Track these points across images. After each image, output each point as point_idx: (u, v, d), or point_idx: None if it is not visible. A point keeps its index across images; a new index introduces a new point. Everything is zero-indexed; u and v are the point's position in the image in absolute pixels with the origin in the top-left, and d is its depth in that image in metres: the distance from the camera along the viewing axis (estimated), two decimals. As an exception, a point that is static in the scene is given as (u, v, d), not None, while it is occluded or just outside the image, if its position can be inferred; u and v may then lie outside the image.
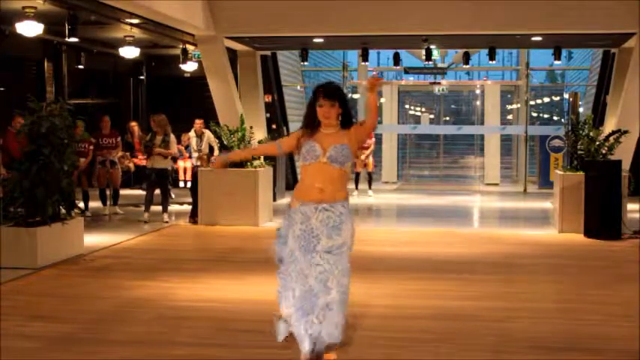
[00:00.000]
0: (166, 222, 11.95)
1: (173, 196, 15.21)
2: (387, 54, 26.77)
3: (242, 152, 5.36)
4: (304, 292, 4.56)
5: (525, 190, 18.52)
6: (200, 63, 14.72)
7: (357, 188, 16.54)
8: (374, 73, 4.53)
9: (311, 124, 4.64)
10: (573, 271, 8.40)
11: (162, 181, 12.21)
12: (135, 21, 12.26)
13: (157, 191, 12.31)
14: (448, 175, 24.79)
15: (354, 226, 4.71)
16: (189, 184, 13.74)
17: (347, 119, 4.65)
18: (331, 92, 4.62)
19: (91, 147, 12.51)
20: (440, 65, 21.74)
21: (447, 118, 28.00)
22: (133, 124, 15.40)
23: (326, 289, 4.50)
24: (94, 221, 11.97)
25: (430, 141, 26.85)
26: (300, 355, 4.61)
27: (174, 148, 12.13)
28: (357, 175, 16.60)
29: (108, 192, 12.95)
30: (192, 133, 14.25)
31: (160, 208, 12.22)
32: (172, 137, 12.15)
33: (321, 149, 4.58)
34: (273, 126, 17.42)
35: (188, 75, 16.83)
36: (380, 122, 23.07)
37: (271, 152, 4.93)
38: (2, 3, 10.56)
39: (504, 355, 5.16)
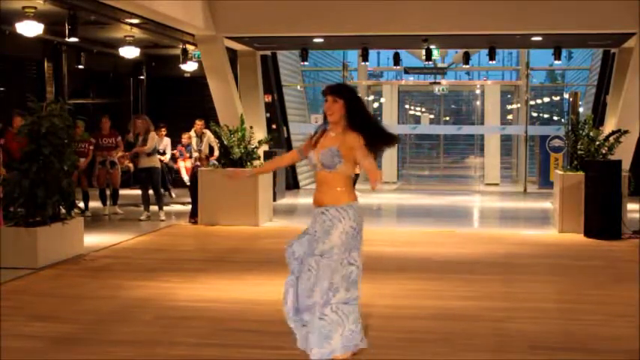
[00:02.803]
0: (162, 220, 12.01)
1: (174, 195, 15.23)
2: (387, 54, 26.79)
3: (269, 166, 5.45)
4: (298, 295, 4.65)
5: (525, 190, 18.52)
6: (200, 63, 14.72)
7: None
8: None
9: (323, 125, 4.72)
10: (573, 271, 8.40)
11: (151, 180, 12.25)
12: (135, 21, 12.26)
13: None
14: (448, 175, 24.79)
15: (351, 227, 4.59)
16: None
17: (353, 118, 4.60)
18: (333, 88, 4.69)
19: (91, 147, 12.53)
20: (440, 65, 21.74)
21: (447, 118, 27.99)
22: None
23: (311, 292, 4.57)
24: (94, 221, 11.97)
25: (430, 141, 26.85)
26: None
27: (150, 144, 12.16)
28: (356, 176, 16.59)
29: (108, 192, 12.96)
30: (192, 133, 14.27)
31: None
32: (151, 134, 12.20)
33: (315, 157, 4.64)
34: (273, 126, 17.44)
35: (188, 75, 16.84)
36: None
37: (296, 159, 4.92)
38: (2, 3, 10.55)
39: (504, 355, 5.16)
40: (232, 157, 11.72)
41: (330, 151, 4.56)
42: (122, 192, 13.62)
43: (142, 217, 12.13)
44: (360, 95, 4.83)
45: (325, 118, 4.70)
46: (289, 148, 18.27)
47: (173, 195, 15.29)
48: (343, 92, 4.68)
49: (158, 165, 12.47)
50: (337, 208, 4.58)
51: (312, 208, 4.72)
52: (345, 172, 4.59)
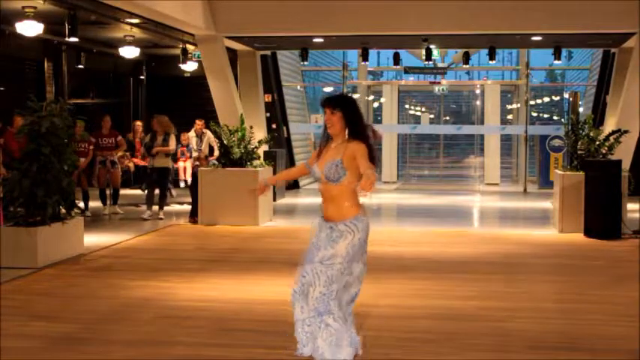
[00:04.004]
0: (161, 218, 12.06)
1: (174, 194, 15.24)
2: (387, 54, 26.81)
3: (279, 177, 5.68)
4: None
5: (525, 190, 18.51)
6: (200, 63, 14.72)
7: None
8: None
9: (325, 136, 4.70)
10: (573, 271, 8.40)
11: (162, 180, 12.31)
12: (135, 21, 12.27)
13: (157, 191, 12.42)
14: (448, 175, 24.78)
15: (359, 239, 4.59)
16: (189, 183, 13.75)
17: (353, 128, 4.58)
18: (329, 99, 4.64)
19: (91, 147, 12.53)
20: (440, 65, 21.73)
21: (447, 118, 27.99)
22: (139, 123, 15.42)
23: (305, 298, 4.55)
24: (94, 221, 11.97)
25: (430, 141, 26.83)
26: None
27: (172, 145, 12.32)
28: None
29: (108, 192, 12.96)
30: (192, 133, 14.27)
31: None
32: (172, 136, 12.32)
33: (319, 171, 4.61)
34: (273, 126, 17.44)
35: (188, 75, 16.83)
36: (380, 122, 23.10)
37: (304, 172, 4.96)
38: (2, 3, 10.56)
39: (504, 355, 5.16)
40: (232, 157, 11.72)
41: (333, 164, 4.52)
42: (122, 192, 13.61)
43: (145, 216, 12.13)
44: (358, 105, 4.79)
45: (326, 129, 4.67)
46: (289, 148, 18.28)
47: (174, 194, 15.30)
48: (340, 103, 4.62)
49: (170, 165, 12.57)
50: (346, 223, 4.54)
51: (321, 220, 4.64)
52: (351, 185, 4.52)
